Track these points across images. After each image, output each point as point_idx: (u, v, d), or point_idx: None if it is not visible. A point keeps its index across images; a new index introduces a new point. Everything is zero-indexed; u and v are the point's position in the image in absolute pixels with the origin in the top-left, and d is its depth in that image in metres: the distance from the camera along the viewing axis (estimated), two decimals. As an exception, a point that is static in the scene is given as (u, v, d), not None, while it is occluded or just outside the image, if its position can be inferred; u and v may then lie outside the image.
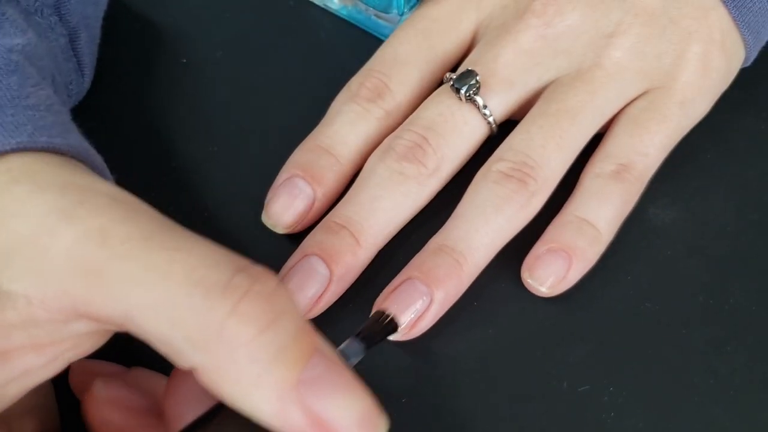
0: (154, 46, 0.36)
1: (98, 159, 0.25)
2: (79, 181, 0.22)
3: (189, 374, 0.23)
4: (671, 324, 0.30)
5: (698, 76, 0.32)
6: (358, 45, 0.36)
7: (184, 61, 0.36)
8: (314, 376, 0.20)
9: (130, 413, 0.24)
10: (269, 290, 0.20)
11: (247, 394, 0.20)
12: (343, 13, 0.37)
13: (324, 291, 0.29)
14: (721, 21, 0.32)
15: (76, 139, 0.25)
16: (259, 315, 0.20)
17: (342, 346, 0.25)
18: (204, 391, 0.22)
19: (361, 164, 0.31)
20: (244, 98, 0.35)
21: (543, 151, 0.30)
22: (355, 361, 0.25)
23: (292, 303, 0.21)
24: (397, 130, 0.31)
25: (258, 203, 0.31)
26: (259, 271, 0.21)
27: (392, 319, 0.27)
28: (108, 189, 0.22)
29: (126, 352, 0.24)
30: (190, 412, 0.23)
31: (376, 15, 0.36)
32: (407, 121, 0.31)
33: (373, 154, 0.31)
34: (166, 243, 0.20)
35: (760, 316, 0.30)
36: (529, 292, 0.30)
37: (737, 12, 0.32)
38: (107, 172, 0.26)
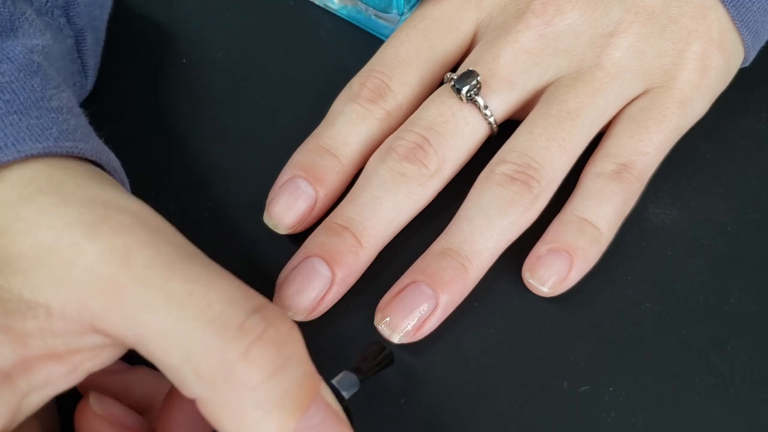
0: (155, 47, 0.36)
1: (116, 163, 0.26)
2: (104, 196, 0.22)
3: (184, 400, 0.23)
4: (671, 324, 0.30)
5: (697, 75, 0.32)
6: (358, 45, 0.36)
7: (185, 61, 0.36)
8: (312, 425, 0.21)
9: (121, 430, 0.24)
10: (282, 335, 0.21)
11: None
12: (343, 13, 0.37)
13: (326, 292, 0.29)
14: (719, 20, 0.32)
15: (96, 142, 0.25)
16: (268, 362, 0.20)
17: (337, 378, 0.25)
18: (199, 418, 0.22)
19: (363, 164, 0.31)
20: (245, 98, 0.35)
21: (546, 153, 0.30)
22: (349, 394, 0.25)
23: (302, 347, 0.21)
24: (398, 130, 0.31)
25: (259, 203, 0.31)
26: (274, 312, 0.21)
27: (388, 355, 0.27)
28: (133, 206, 0.22)
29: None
30: None
31: (376, 15, 0.36)
32: (408, 121, 0.31)
33: (374, 154, 0.31)
34: (187, 273, 0.21)
35: (760, 316, 0.30)
36: (529, 291, 0.30)
37: (736, 12, 0.32)
38: (124, 175, 0.26)
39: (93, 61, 0.32)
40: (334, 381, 0.25)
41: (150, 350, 0.21)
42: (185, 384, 0.21)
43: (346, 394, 0.24)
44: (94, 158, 0.24)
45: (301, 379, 0.21)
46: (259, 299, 0.21)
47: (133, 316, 0.20)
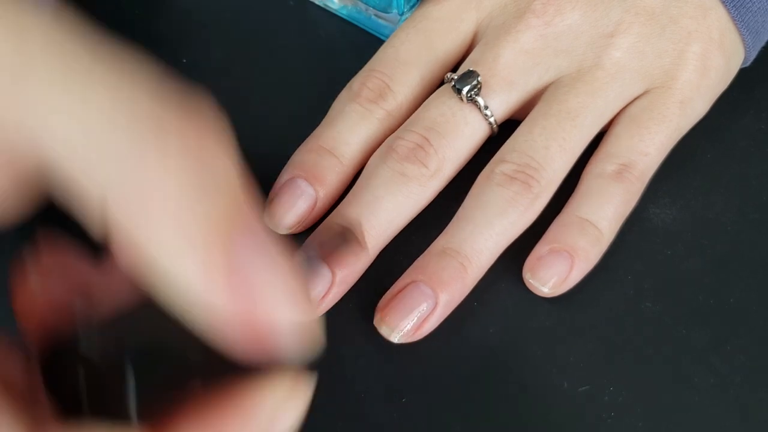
0: (155, 47, 0.36)
1: None
2: None
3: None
4: (671, 324, 0.30)
5: (698, 76, 0.32)
6: (358, 45, 0.36)
7: (184, 61, 0.36)
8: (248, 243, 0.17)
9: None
10: (205, 134, 0.18)
11: (172, 256, 0.17)
12: (343, 13, 0.37)
13: (326, 292, 0.29)
14: (720, 20, 0.32)
15: None
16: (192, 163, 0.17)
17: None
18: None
19: (363, 164, 0.31)
20: (245, 98, 0.35)
21: (546, 153, 0.30)
22: (312, 266, 0.23)
23: (228, 152, 0.18)
24: (398, 130, 0.31)
25: (259, 204, 0.31)
26: (198, 107, 0.18)
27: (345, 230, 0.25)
28: None
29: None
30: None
31: (376, 15, 0.36)
32: (408, 121, 0.31)
33: (374, 154, 0.31)
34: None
35: (760, 316, 0.30)
36: (529, 291, 0.30)
37: (736, 12, 0.32)
38: None
39: None
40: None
41: (51, 159, 0.17)
42: (90, 196, 0.17)
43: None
44: None
45: (229, 189, 0.18)
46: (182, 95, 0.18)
47: (28, 114, 0.17)
